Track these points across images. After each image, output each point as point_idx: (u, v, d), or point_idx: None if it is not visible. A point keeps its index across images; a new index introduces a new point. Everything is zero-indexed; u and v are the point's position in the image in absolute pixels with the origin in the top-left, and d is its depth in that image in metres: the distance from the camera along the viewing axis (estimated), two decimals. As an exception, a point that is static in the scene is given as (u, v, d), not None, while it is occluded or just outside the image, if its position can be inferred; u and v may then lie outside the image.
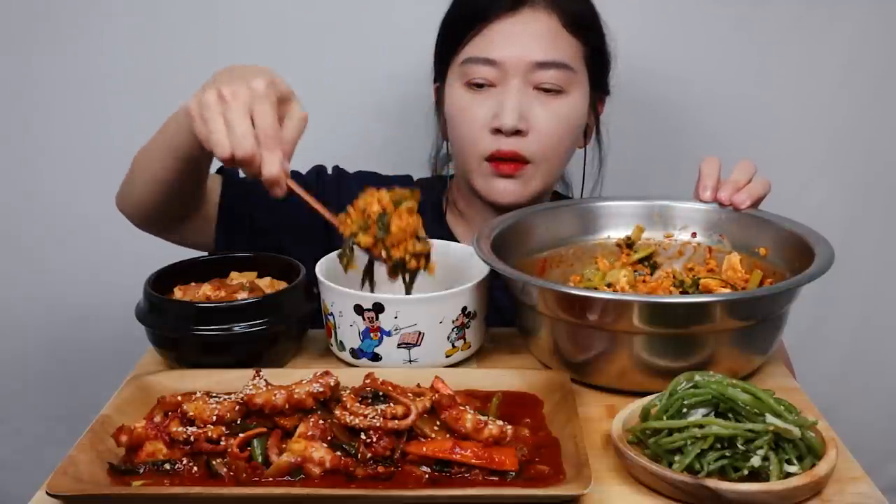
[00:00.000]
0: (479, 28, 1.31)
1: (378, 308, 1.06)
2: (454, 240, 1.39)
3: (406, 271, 1.09)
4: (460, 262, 1.20)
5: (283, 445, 0.88)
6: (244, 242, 1.35)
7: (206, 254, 1.31)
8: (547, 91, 1.31)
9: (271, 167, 1.00)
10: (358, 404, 0.91)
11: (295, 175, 1.39)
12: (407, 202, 1.08)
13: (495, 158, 1.32)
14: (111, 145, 1.74)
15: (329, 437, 0.89)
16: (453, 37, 1.35)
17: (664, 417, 0.88)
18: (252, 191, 1.31)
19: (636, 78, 1.49)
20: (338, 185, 1.43)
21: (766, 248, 1.17)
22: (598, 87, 1.40)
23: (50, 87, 1.72)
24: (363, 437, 0.88)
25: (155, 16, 1.69)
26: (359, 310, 1.07)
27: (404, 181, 1.50)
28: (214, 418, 0.91)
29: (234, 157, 1.00)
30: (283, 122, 1.04)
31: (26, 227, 1.78)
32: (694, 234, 1.23)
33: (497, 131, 1.30)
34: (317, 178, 1.44)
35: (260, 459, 0.88)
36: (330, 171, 1.46)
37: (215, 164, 1.28)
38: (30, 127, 1.74)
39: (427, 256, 1.09)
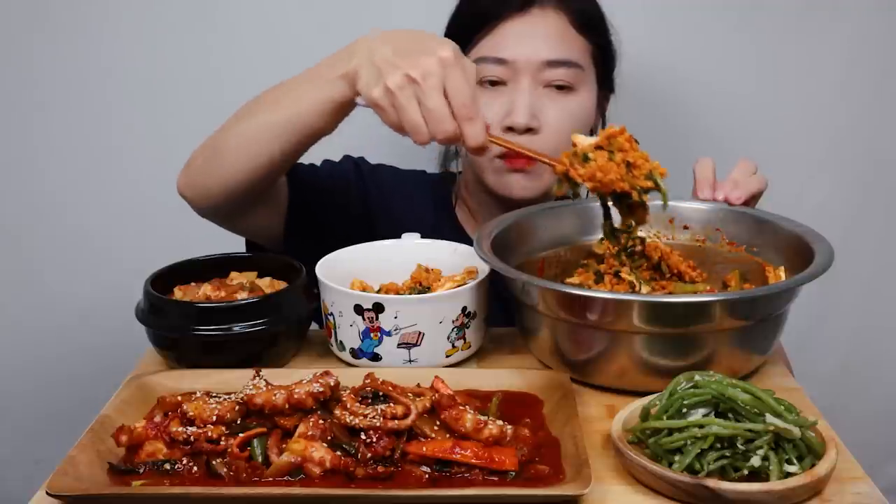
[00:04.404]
0: (490, 28, 1.32)
1: (378, 308, 1.06)
2: (464, 235, 1.39)
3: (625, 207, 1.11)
4: (463, 261, 1.20)
5: (283, 445, 0.88)
6: (311, 234, 1.34)
7: (205, 254, 1.31)
8: (558, 88, 1.32)
9: (478, 138, 1.01)
10: (358, 404, 0.91)
11: (321, 166, 1.40)
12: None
13: (508, 155, 1.32)
14: (111, 145, 1.75)
15: (329, 437, 0.89)
16: (462, 37, 1.35)
17: (664, 417, 0.88)
18: (316, 186, 1.31)
19: (637, 77, 1.49)
20: (373, 176, 1.44)
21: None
22: (604, 85, 1.41)
23: (50, 87, 1.72)
24: (363, 437, 0.88)
25: (154, 16, 1.69)
26: (359, 310, 1.07)
27: (418, 176, 1.51)
28: (214, 418, 0.91)
29: (433, 139, 1.01)
30: None
31: (26, 227, 1.78)
32: (686, 227, 1.23)
33: (509, 129, 1.31)
34: (355, 168, 1.44)
35: (260, 459, 0.88)
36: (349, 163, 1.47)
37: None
38: (30, 127, 1.74)
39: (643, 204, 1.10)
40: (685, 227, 1.23)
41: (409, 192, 1.46)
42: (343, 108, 1.11)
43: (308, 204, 1.35)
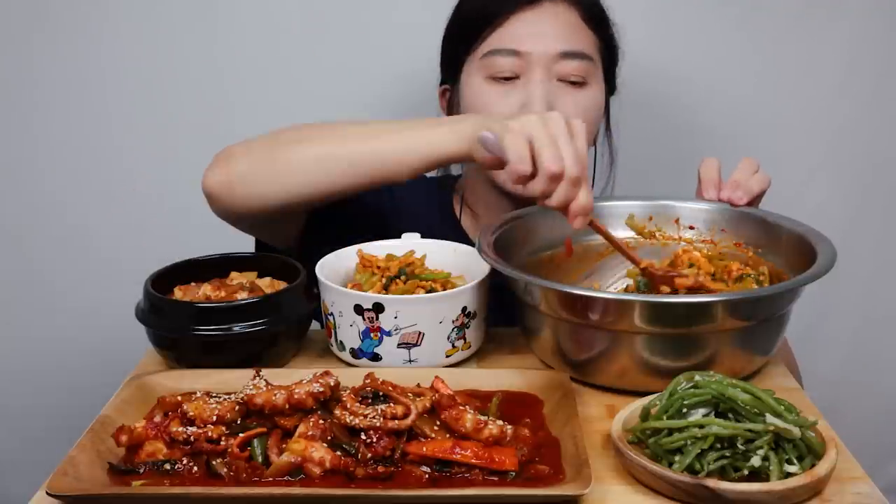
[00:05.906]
0: (500, 21, 1.31)
1: (378, 308, 1.06)
2: (467, 240, 1.38)
3: None
4: (463, 261, 1.20)
5: (283, 445, 0.88)
6: (327, 241, 1.29)
7: (205, 254, 1.31)
8: (571, 83, 1.31)
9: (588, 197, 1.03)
10: (358, 404, 0.91)
11: None
12: None
13: None
14: (111, 145, 1.75)
15: (329, 437, 0.89)
16: (470, 32, 1.34)
17: (664, 417, 0.88)
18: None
19: (638, 77, 1.49)
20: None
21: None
22: (608, 82, 1.40)
23: (50, 87, 1.72)
24: (363, 437, 0.88)
25: (155, 16, 1.69)
26: (359, 310, 1.07)
27: (419, 180, 1.49)
28: (214, 418, 0.91)
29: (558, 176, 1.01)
30: None
31: (26, 227, 1.78)
32: (692, 227, 1.24)
33: None
34: None
35: (260, 459, 0.88)
36: None
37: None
38: (30, 127, 1.74)
39: None
40: (690, 228, 1.23)
41: (415, 198, 1.45)
42: (439, 157, 1.13)
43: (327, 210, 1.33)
